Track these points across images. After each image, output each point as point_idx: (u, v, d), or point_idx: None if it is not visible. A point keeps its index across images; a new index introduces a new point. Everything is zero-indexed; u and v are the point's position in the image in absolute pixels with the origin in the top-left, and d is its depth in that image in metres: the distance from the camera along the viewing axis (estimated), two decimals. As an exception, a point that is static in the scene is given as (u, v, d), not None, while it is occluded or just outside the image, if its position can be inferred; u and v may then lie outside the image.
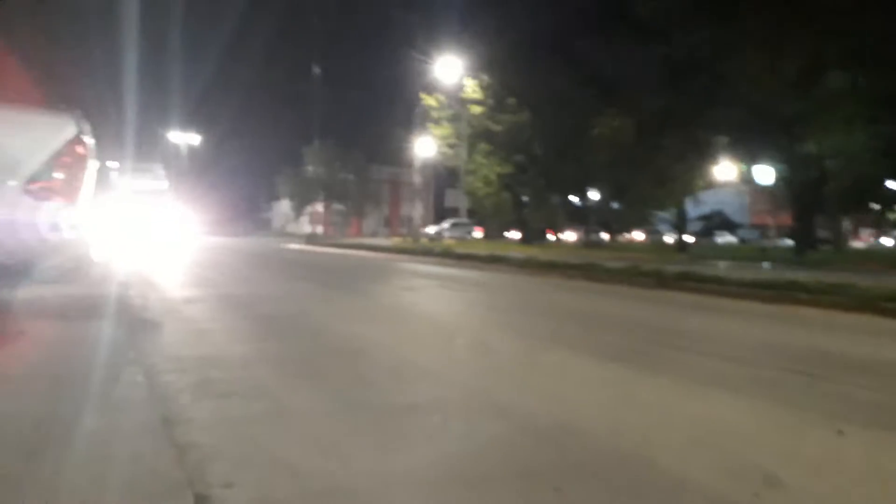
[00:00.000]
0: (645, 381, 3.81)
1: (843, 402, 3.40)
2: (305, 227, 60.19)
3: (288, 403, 3.15)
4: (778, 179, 28.24)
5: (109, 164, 25.55)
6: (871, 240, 42.14)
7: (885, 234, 40.77)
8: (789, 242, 33.03)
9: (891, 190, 31.27)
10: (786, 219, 33.86)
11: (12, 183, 3.96)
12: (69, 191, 4.12)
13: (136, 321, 5.40)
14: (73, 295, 5.63)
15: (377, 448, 2.55)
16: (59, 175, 4.03)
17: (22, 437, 2.58)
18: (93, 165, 4.27)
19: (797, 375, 3.94)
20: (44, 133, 4.07)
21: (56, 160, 4.03)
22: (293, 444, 2.59)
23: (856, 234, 53.60)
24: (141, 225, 22.31)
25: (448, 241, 38.86)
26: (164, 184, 27.27)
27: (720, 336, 5.55)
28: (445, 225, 49.14)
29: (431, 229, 47.14)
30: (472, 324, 6.20)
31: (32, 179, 3.99)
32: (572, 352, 4.62)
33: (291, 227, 67.04)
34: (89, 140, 4.21)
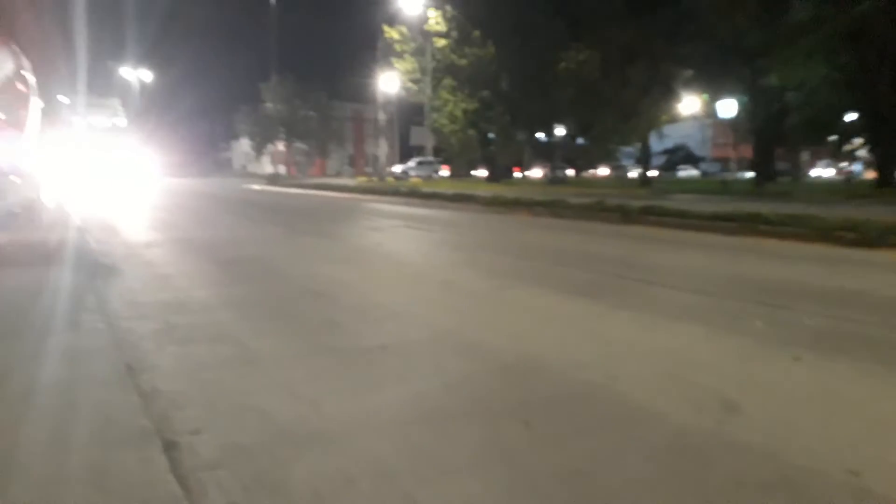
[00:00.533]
0: (610, 314, 3.86)
1: (800, 330, 3.50)
2: (267, 166, 58.94)
3: (254, 348, 3.12)
4: (740, 112, 28.42)
5: (59, 98, 24.04)
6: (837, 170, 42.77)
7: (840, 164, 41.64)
8: (750, 175, 33.53)
9: (848, 122, 31.74)
10: (747, 152, 34.26)
11: None
12: (12, 130, 3.89)
13: (94, 267, 5.26)
14: (26, 240, 5.44)
15: (346, 390, 2.55)
16: None
17: (-22, 390, 2.51)
18: (35, 102, 4.03)
19: (758, 306, 4.04)
20: None
21: None
22: (261, 388, 2.57)
23: (812, 166, 54.60)
24: (98, 165, 21.56)
25: (414, 180, 38.58)
26: (123, 121, 26.09)
27: (683, 269, 5.64)
28: (411, 163, 48.69)
29: (397, 168, 46.67)
30: (439, 263, 6.20)
31: None
32: (539, 288, 4.66)
33: (252, 168, 65.65)
34: (30, 76, 3.96)
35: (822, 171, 50.54)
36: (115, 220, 10.21)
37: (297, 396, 2.48)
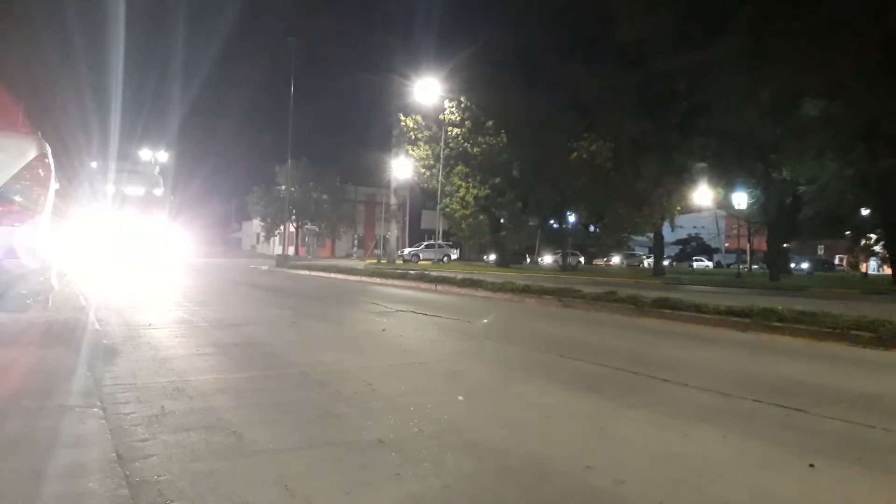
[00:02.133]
0: (620, 413, 3.73)
1: (815, 434, 3.36)
2: (276, 247, 59.60)
3: (249, 438, 3.02)
4: (753, 205, 28.67)
5: (90, 165, 22.99)
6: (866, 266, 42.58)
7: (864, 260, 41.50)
8: (764, 267, 33.44)
9: (864, 217, 31.89)
10: (761, 244, 34.30)
11: None
12: (29, 214, 3.97)
13: (94, 348, 5.22)
14: (31, 321, 5.43)
15: (341, 487, 2.44)
16: (18, 198, 3.88)
17: (-39, 477, 2.43)
18: (53, 187, 4.12)
19: (771, 407, 3.90)
20: (4, 155, 3.92)
21: (16, 182, 3.88)
22: (254, 482, 2.47)
23: (832, 259, 54.48)
24: (125, 236, 20.32)
25: (423, 263, 38.78)
26: (160, 190, 23.55)
27: (697, 365, 5.51)
28: (421, 247, 49.09)
29: (406, 251, 47.05)
30: (445, 352, 6.10)
31: None
32: (546, 382, 4.54)
33: (261, 248, 66.36)
34: (50, 161, 4.07)
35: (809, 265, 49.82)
36: (120, 298, 10.26)
37: (290, 493, 2.38)
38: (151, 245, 21.31)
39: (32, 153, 3.96)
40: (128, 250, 20.00)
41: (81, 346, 5.28)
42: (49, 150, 4.10)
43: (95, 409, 3.41)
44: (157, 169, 25.97)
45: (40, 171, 3.99)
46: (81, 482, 2.42)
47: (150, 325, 6.89)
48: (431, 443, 3.03)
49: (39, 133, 4.03)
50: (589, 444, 3.09)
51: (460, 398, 4.00)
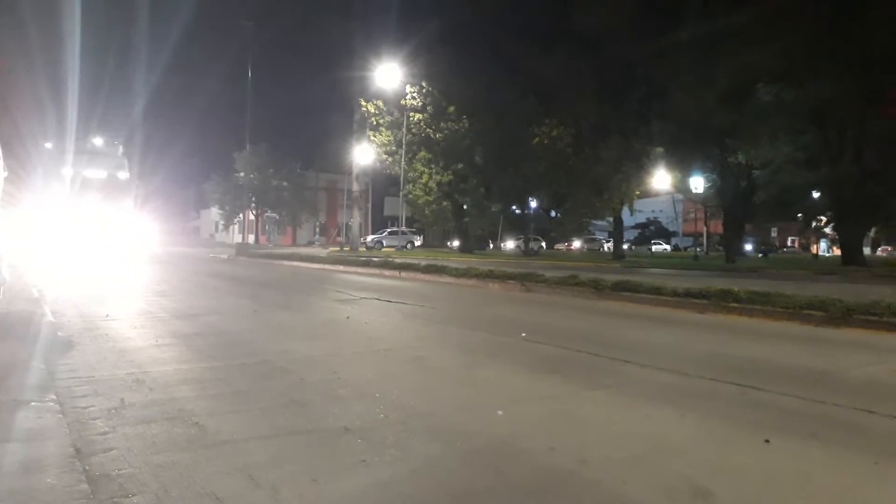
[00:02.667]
0: (583, 394, 3.80)
1: (770, 411, 3.47)
2: (236, 235, 58.67)
3: (213, 429, 2.99)
4: (710, 189, 29.25)
5: (45, 146, 20.80)
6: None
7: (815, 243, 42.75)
8: (720, 249, 34.22)
9: (815, 200, 32.83)
10: (718, 227, 35.08)
11: None
12: None
13: (50, 341, 5.08)
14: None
15: (307, 475, 2.44)
16: None
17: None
18: (2, 175, 3.99)
19: (728, 386, 4.01)
20: None
21: None
22: (218, 473, 2.45)
23: (782, 243, 56.00)
24: (88, 227, 18.76)
25: (387, 250, 38.66)
26: (124, 173, 21.33)
27: (657, 347, 5.63)
28: (384, 233, 48.91)
29: (370, 238, 46.82)
30: (409, 338, 6.11)
31: None
32: (511, 366, 4.59)
33: (221, 237, 65.24)
34: None
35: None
36: (76, 290, 10.00)
37: (255, 483, 2.36)
38: (114, 234, 19.78)
39: None
40: (88, 239, 18.73)
41: (36, 339, 5.14)
42: None
43: (51, 403, 3.33)
44: (121, 150, 22.98)
45: None
46: (39, 477, 2.37)
47: (107, 316, 6.73)
48: (398, 429, 3.04)
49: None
50: (552, 426, 3.14)
51: (425, 384, 4.02)
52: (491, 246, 49.76)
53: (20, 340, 5.12)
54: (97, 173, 20.51)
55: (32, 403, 3.32)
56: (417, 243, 50.44)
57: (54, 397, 3.45)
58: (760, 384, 4.02)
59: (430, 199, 37.37)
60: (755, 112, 23.25)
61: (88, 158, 20.68)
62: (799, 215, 41.06)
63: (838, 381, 4.31)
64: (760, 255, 29.87)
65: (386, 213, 60.44)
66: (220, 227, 65.58)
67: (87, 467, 2.48)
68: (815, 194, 32.44)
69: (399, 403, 3.48)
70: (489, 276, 11.80)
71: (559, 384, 4.04)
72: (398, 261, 17.75)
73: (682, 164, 29.60)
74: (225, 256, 27.76)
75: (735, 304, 7.71)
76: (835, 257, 33.76)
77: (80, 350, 4.85)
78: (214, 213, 67.02)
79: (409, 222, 48.19)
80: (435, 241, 53.35)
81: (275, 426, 3.05)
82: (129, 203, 20.76)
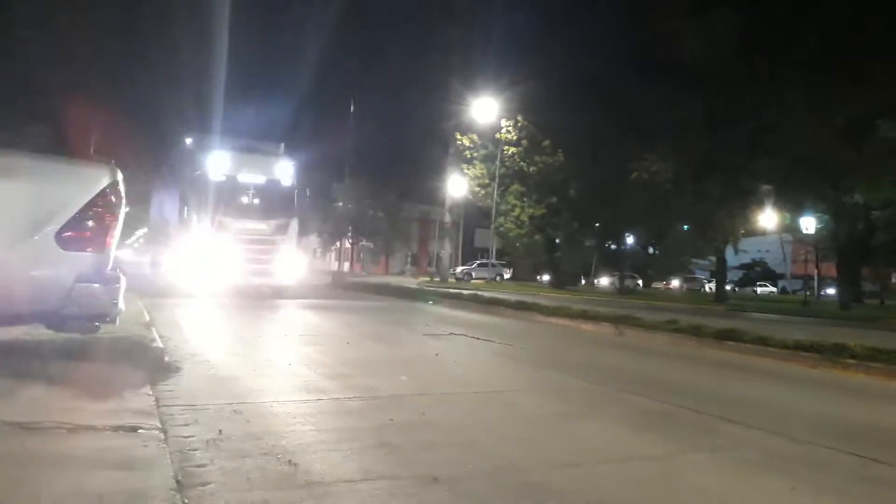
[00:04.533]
0: (685, 457, 3.57)
1: (894, 487, 3.14)
2: (332, 263, 60.33)
3: (305, 467, 3.01)
4: (822, 230, 27.56)
5: (186, 143, 17.56)
6: None
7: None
8: (832, 293, 32.05)
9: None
10: (830, 270, 32.94)
11: (44, 232, 3.97)
12: (99, 240, 4.11)
13: (157, 366, 5.33)
14: (97, 338, 5.60)
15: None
16: (91, 224, 4.04)
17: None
18: (123, 212, 4.28)
19: (846, 456, 3.67)
20: (78, 183, 4.10)
21: (89, 209, 4.04)
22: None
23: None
24: (243, 251, 14.95)
25: (476, 282, 38.66)
26: (288, 179, 16.34)
27: (764, 405, 5.26)
28: (473, 265, 48.96)
29: (459, 269, 46.98)
30: (500, 380, 6.02)
31: (64, 229, 4.00)
32: (606, 419, 4.40)
33: (316, 263, 67.30)
34: (122, 188, 4.23)
35: None
36: (184, 314, 10.52)
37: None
38: (280, 259, 15.61)
39: (105, 181, 4.12)
40: (245, 266, 14.97)
41: (141, 362, 5.38)
42: (121, 176, 4.26)
43: (155, 432, 3.46)
44: (283, 148, 18.05)
45: (112, 197, 4.14)
46: (140, 509, 2.44)
47: (209, 342, 7.02)
48: (487, 482, 2.95)
49: (112, 162, 4.20)
50: (652, 492, 2.97)
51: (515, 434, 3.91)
52: (583, 282, 48.81)
53: (131, 364, 5.39)
54: (254, 178, 15.94)
55: (140, 431, 3.46)
56: (507, 276, 50.16)
57: (158, 425, 3.58)
58: (883, 457, 3.65)
59: (522, 232, 37.20)
60: (875, 150, 21.78)
61: (242, 158, 16.08)
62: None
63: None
64: (870, 300, 27.68)
65: (476, 244, 60.62)
66: (318, 253, 67.75)
67: (186, 501, 2.54)
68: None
69: (489, 453, 3.39)
70: (582, 316, 11.51)
71: (659, 444, 3.82)
72: (487, 295, 17.64)
73: (792, 203, 28.08)
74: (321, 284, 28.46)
75: (851, 361, 7.13)
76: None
77: (184, 376, 5.04)
78: (312, 240, 69.37)
79: (500, 255, 48.07)
80: (524, 275, 52.86)
81: (363, 469, 3.04)
82: (294, 217, 16.27)
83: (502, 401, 4.83)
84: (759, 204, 29.78)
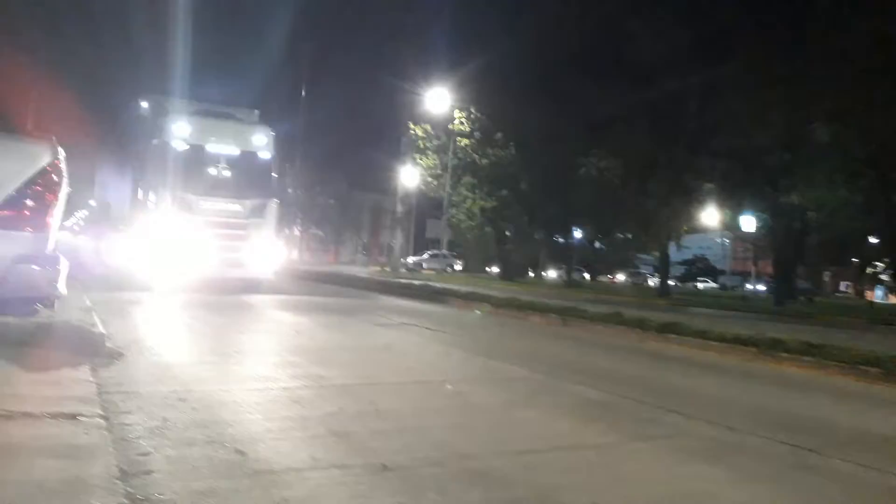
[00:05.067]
0: (627, 446, 3.69)
1: (825, 478, 3.31)
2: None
3: (253, 455, 2.99)
4: (760, 228, 28.56)
5: (141, 106, 14.78)
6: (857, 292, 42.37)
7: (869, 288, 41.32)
8: (766, 290, 33.30)
9: (872, 245, 31.76)
10: (767, 267, 34.19)
11: None
12: (39, 219, 3.96)
13: (99, 352, 5.18)
14: (38, 323, 5.41)
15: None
16: (30, 203, 3.88)
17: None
18: (65, 191, 4.12)
19: (780, 445, 3.84)
20: (16, 160, 3.93)
21: (28, 188, 3.88)
22: (257, 499, 2.46)
23: (835, 287, 54.25)
24: (209, 237, 12.55)
25: (427, 272, 38.73)
26: (265, 150, 13.66)
27: (704, 396, 5.45)
28: (425, 256, 49.00)
29: (410, 259, 46.95)
30: (449, 370, 6.06)
31: (1, 208, 3.84)
32: (552, 408, 4.49)
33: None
34: (63, 166, 4.07)
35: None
36: (126, 305, 10.24)
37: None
38: (255, 247, 13.24)
39: (46, 159, 3.97)
40: (213, 255, 12.60)
41: (86, 349, 5.23)
42: (63, 154, 4.11)
43: (97, 419, 3.37)
44: (257, 115, 15.49)
45: (53, 176, 3.99)
46: (83, 499, 2.39)
47: (150, 330, 6.86)
48: (436, 470, 2.98)
49: (53, 138, 4.04)
50: (595, 479, 3.05)
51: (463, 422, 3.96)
52: (532, 274, 49.39)
53: (73, 350, 5.23)
54: (226, 148, 13.20)
55: (81, 418, 3.37)
56: (457, 268, 50.36)
57: (101, 411, 3.50)
58: (815, 446, 3.84)
59: (473, 224, 37.38)
60: (811, 152, 22.67)
61: (209, 124, 13.41)
62: (854, 260, 39.81)
63: (899, 447, 4.09)
64: (802, 299, 28.86)
65: (428, 235, 60.64)
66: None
67: (130, 490, 2.49)
68: (872, 239, 31.39)
69: (437, 442, 3.43)
70: (530, 307, 11.69)
71: (602, 432, 3.93)
72: (438, 286, 17.73)
73: (733, 201, 29.01)
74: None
75: (785, 354, 7.44)
76: (891, 305, 32.49)
77: (128, 363, 4.91)
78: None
79: (451, 246, 48.21)
80: (475, 267, 53.18)
81: (314, 457, 3.03)
82: (273, 195, 13.92)
83: (452, 390, 4.88)
84: (702, 202, 30.66)
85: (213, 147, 13.10)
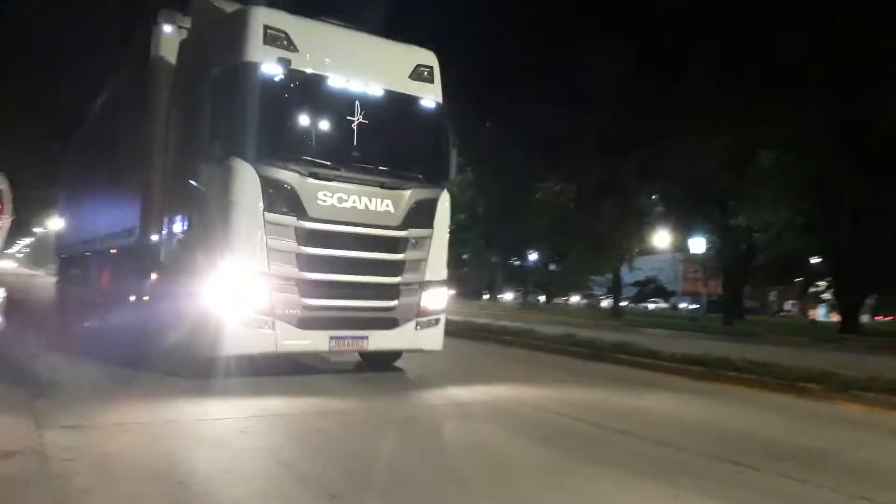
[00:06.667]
0: (577, 469, 3.73)
1: (766, 495, 3.41)
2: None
3: (197, 489, 2.93)
4: (710, 249, 29.30)
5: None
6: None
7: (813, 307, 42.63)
8: (717, 310, 34.02)
9: (814, 265, 32.88)
10: (717, 287, 35.05)
11: None
12: None
13: (37, 379, 5.01)
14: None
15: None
16: None
17: None
18: (7, 224, 3.99)
19: (724, 464, 3.93)
20: None
21: None
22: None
23: (780, 306, 55.76)
24: None
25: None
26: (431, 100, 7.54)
27: (654, 416, 5.53)
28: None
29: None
30: (404, 395, 6.03)
31: None
32: (499, 431, 4.51)
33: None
34: (6, 193, 3.95)
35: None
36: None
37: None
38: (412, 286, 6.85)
39: None
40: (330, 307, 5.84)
41: (24, 376, 5.04)
42: (5, 183, 4.00)
43: (33, 456, 3.26)
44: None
45: None
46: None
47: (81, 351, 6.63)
48: (385, 494, 2.96)
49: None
50: (547, 500, 3.08)
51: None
52: (487, 296, 49.55)
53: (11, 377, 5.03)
54: (359, 82, 6.46)
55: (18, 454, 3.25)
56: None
57: (40, 445, 3.38)
58: (757, 463, 3.94)
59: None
60: (756, 176, 23.44)
61: (326, 35, 6.77)
62: (798, 279, 41.10)
63: (836, 463, 4.23)
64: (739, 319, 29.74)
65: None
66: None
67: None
68: (815, 259, 32.47)
69: (389, 467, 3.41)
70: (486, 331, 11.76)
71: (552, 456, 3.96)
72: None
73: (683, 223, 29.70)
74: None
75: (732, 373, 7.63)
76: (832, 323, 33.59)
77: (66, 390, 4.76)
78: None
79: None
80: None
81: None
82: (441, 186, 7.85)
83: (405, 415, 4.86)
84: (653, 224, 31.33)
85: (335, 80, 6.62)
